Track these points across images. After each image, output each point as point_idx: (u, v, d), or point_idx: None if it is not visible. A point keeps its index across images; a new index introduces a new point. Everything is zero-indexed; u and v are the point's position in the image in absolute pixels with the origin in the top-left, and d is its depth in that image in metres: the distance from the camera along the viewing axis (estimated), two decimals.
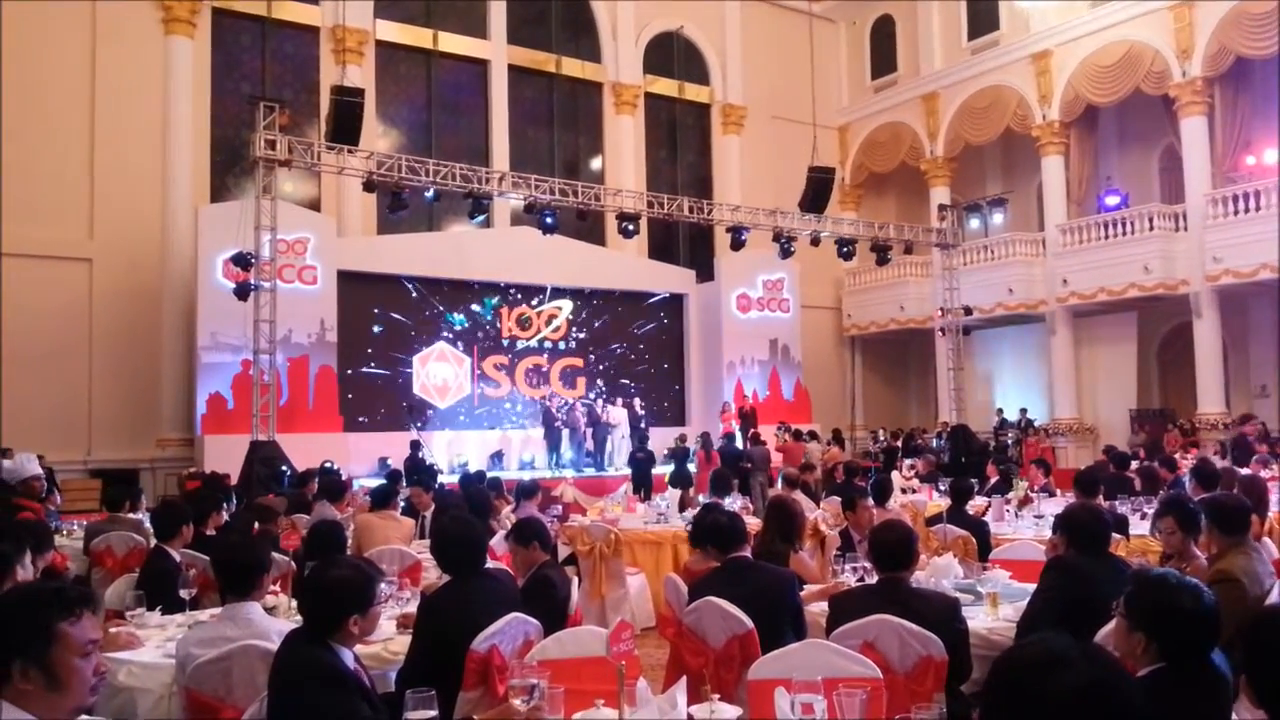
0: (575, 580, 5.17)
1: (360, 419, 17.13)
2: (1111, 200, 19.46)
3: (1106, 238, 18.66)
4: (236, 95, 17.88)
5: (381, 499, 7.67)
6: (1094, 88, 18.85)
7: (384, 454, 16.02)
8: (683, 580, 4.81)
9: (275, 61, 18.50)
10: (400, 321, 18.13)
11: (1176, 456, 13.99)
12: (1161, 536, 5.17)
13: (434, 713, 2.36)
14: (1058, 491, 10.19)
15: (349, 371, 17.18)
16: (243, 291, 13.68)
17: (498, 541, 6.36)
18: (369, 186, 14.75)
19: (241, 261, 13.62)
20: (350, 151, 14.56)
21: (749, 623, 3.91)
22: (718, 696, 2.84)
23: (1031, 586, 4.78)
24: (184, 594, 4.72)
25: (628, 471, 16.51)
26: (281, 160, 14.11)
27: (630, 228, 16.57)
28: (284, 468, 12.78)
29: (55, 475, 12.16)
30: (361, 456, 16.05)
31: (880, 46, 24.03)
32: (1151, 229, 17.96)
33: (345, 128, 14.02)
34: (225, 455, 13.66)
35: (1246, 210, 16.69)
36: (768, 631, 3.89)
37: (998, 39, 21.06)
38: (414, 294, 18.26)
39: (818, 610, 4.46)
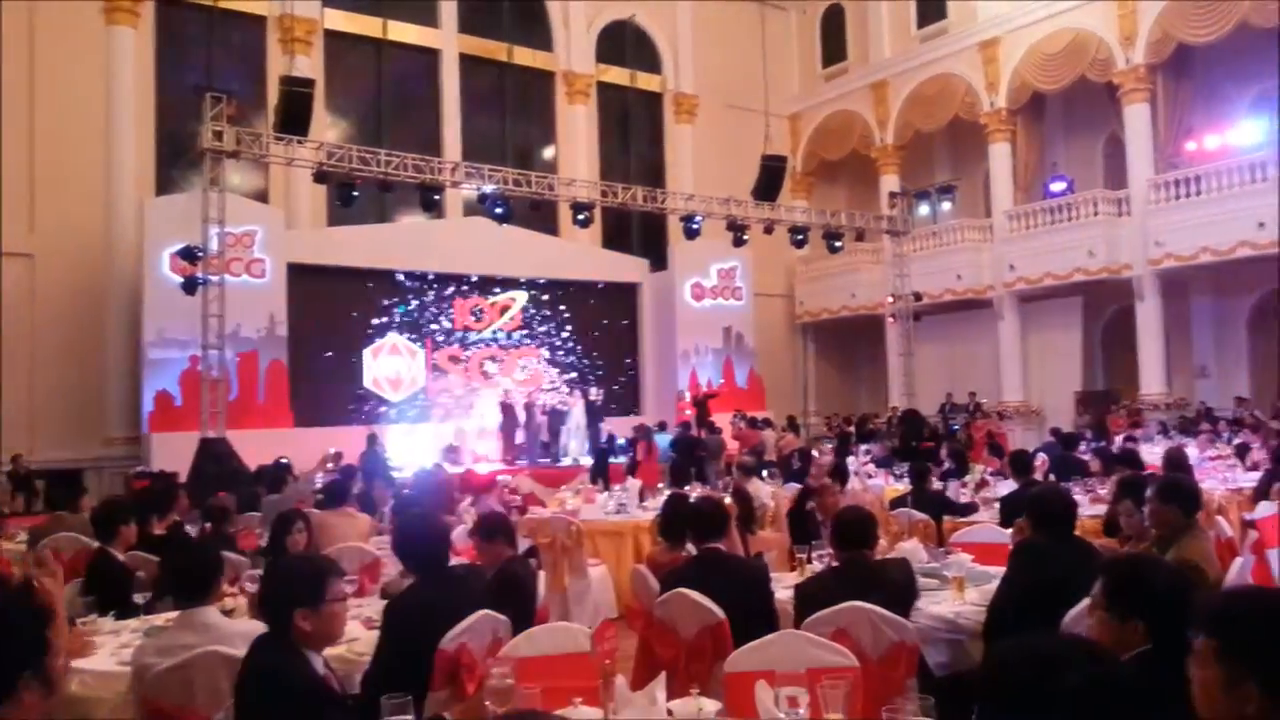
0: (540, 575, 5.12)
1: (312, 414, 16.88)
2: (1057, 186, 19.75)
3: (1052, 223, 18.96)
4: (182, 86, 17.45)
5: (336, 496, 7.55)
6: (1040, 76, 19.11)
7: (337, 449, 15.81)
8: (649, 571, 4.81)
9: (222, 52, 18.11)
10: (351, 314, 17.89)
11: (1120, 436, 14.31)
12: (1121, 518, 5.28)
13: (410, 718, 2.31)
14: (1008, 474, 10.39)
15: (300, 366, 16.92)
16: (190, 286, 13.43)
17: (458, 535, 6.29)
18: (319, 178, 14.53)
19: (189, 255, 13.36)
20: (300, 142, 14.36)
21: (720, 614, 3.92)
22: (697, 691, 2.82)
23: (994, 569, 4.87)
24: (138, 598, 4.59)
25: (585, 462, 16.48)
26: (229, 152, 13.86)
27: (584, 217, 16.51)
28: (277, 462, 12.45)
29: None
30: (314, 452, 15.80)
31: (830, 35, 24.14)
32: (1096, 214, 18.27)
33: (294, 118, 13.81)
34: (174, 453, 13.40)
35: (1188, 195, 17.04)
36: (740, 623, 3.89)
37: (946, 28, 21.26)
38: (365, 286, 18.02)
39: (785, 598, 4.48)
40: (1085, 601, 2.74)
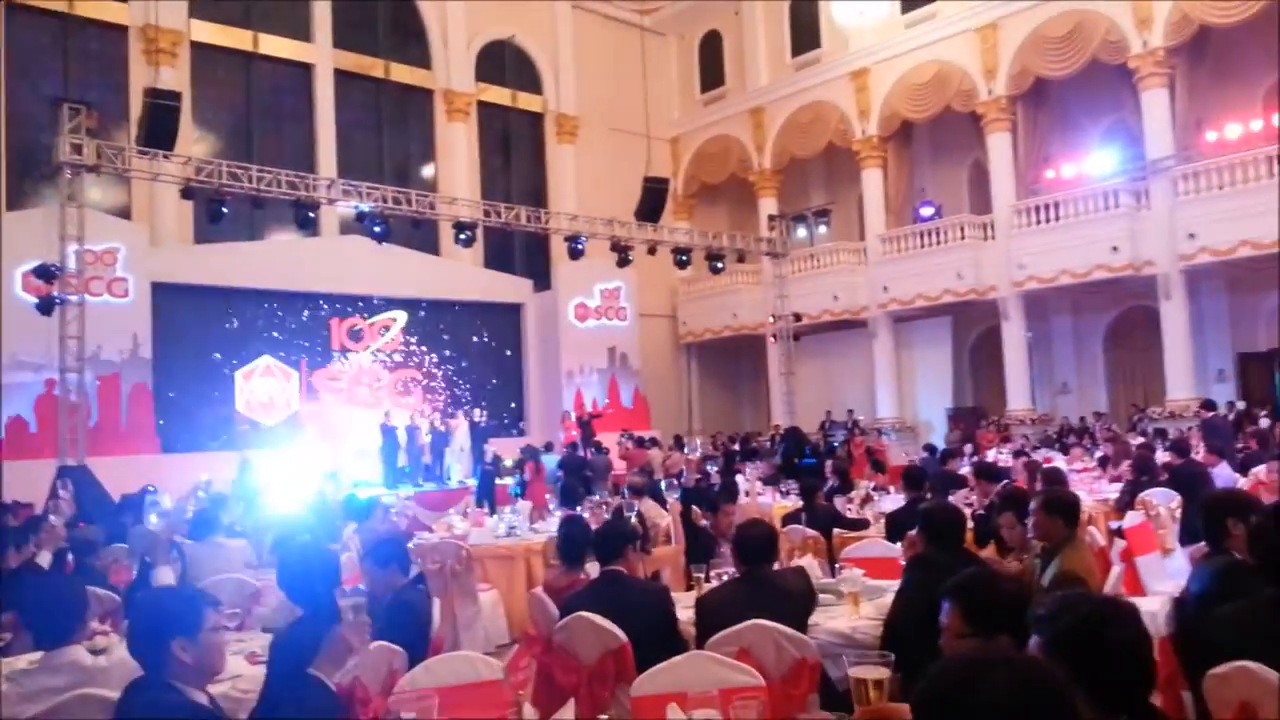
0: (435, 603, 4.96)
1: (180, 440, 16.14)
2: (926, 211, 20.52)
3: (922, 247, 19.67)
4: (35, 96, 16.52)
5: (205, 525, 7.20)
6: (909, 105, 19.84)
7: (206, 476, 15.13)
8: (546, 596, 4.72)
9: (79, 61, 17.20)
10: (221, 335, 17.22)
11: (991, 451, 14.87)
12: (1004, 530, 5.44)
13: None
14: (891, 489, 10.67)
15: (166, 389, 16.16)
16: (46, 306, 12.71)
17: (344, 562, 6.06)
18: (187, 193, 14.00)
19: (44, 274, 12.65)
20: (165, 157, 13.78)
21: (623, 637, 3.86)
22: (605, 718, 2.76)
23: (886, 583, 4.95)
24: None
25: (469, 484, 16.21)
26: (89, 165, 13.21)
27: (466, 237, 16.32)
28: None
29: None
30: (182, 479, 15.09)
31: (709, 61, 24.55)
32: (963, 238, 19.04)
33: (159, 132, 13.28)
34: (28, 482, 12.56)
35: (1047, 220, 17.91)
36: (642, 645, 3.84)
37: (819, 57, 21.87)
38: (235, 306, 17.38)
39: (685, 618, 4.46)
40: None
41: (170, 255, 16.66)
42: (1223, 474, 9.07)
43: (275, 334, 17.88)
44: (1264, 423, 13.88)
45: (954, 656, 1.62)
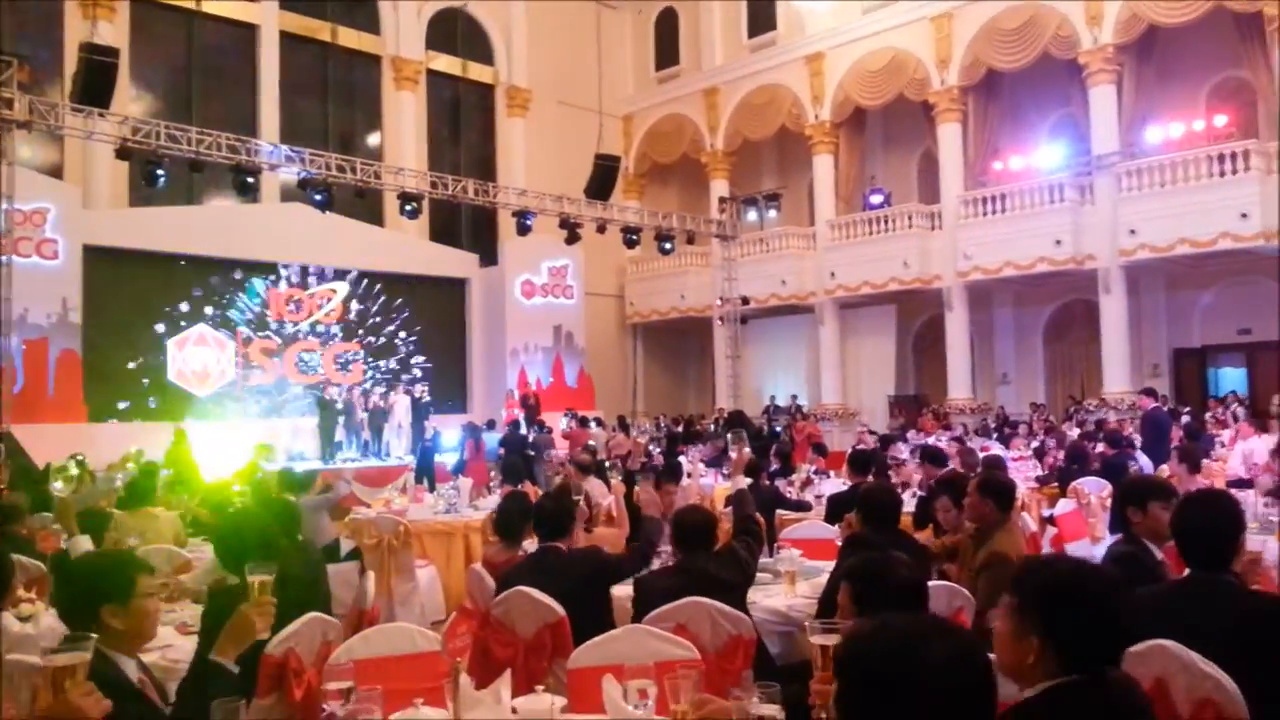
0: (370, 575, 4.88)
1: (110, 408, 15.71)
2: (876, 199, 20.62)
3: (871, 234, 19.78)
4: None
5: (137, 494, 7.05)
6: (862, 91, 19.91)
7: (136, 447, 14.76)
8: (485, 571, 4.66)
9: (12, 14, 16.51)
10: (155, 302, 16.78)
11: (932, 438, 15.08)
12: (939, 513, 5.52)
13: None
14: (831, 473, 10.79)
15: (96, 356, 15.71)
16: None
17: None
18: (122, 154, 13.59)
19: None
20: (100, 115, 13.35)
21: (560, 611, 3.85)
22: (542, 688, 2.72)
23: (822, 563, 4.99)
24: None
25: (408, 461, 16.03)
26: (20, 121, 12.77)
27: (412, 208, 16.07)
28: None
29: None
30: (112, 449, 14.71)
31: (664, 39, 24.40)
32: (910, 227, 19.19)
33: (95, 89, 12.87)
34: None
35: (993, 212, 18.12)
36: (580, 619, 3.81)
37: (775, 39, 21.83)
38: (170, 272, 16.95)
39: (623, 594, 4.44)
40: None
41: (103, 217, 16.18)
42: (1147, 464, 9.31)
43: (211, 302, 17.47)
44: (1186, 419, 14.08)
45: (891, 623, 1.61)
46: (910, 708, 1.47)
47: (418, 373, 19.73)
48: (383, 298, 19.55)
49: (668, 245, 19.70)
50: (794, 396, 20.68)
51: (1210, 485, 6.91)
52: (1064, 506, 7.55)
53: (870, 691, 1.53)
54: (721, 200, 21.58)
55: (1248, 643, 2.70)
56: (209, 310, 17.44)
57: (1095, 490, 7.85)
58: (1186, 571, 3.07)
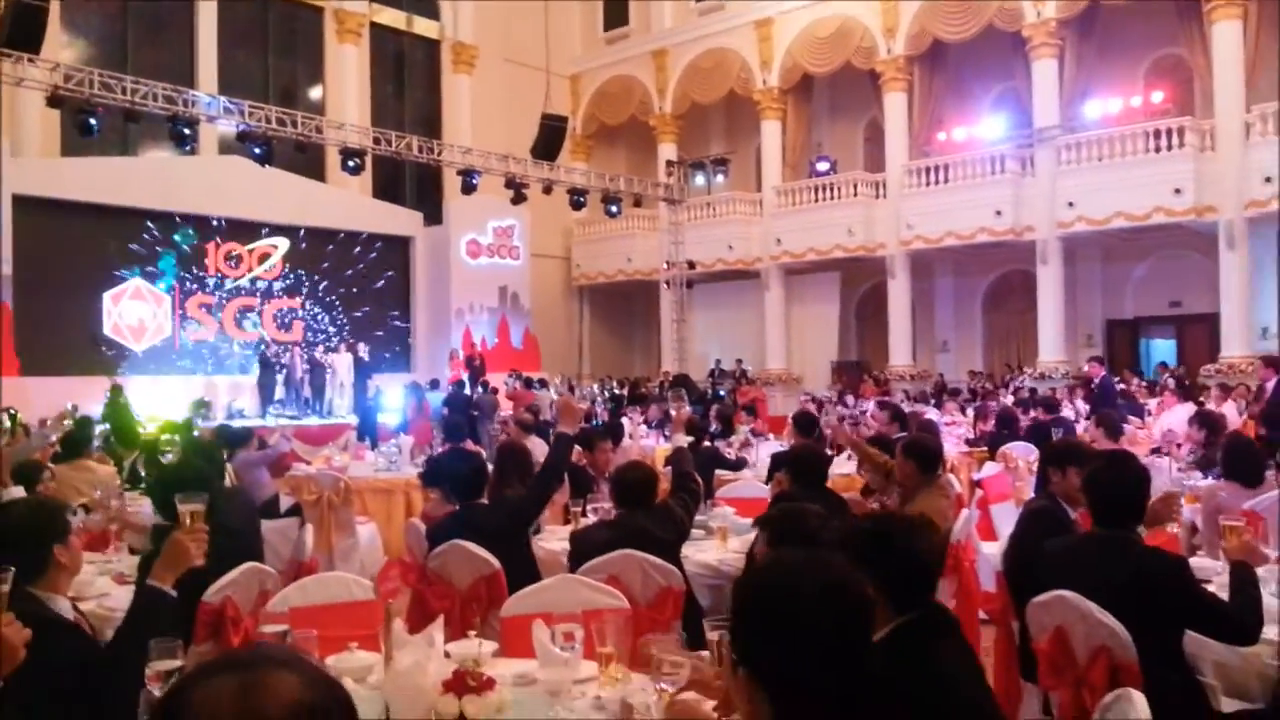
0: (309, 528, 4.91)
1: (43, 362, 15.38)
2: (822, 166, 20.79)
3: (816, 201, 19.95)
4: None
5: (73, 447, 7.01)
6: (810, 58, 19.97)
7: (73, 400, 14.48)
8: (423, 525, 4.73)
9: None
10: (89, 255, 16.38)
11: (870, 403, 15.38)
12: (866, 474, 5.72)
13: (180, 662, 2.16)
14: (770, 436, 10.98)
15: (28, 310, 15.34)
16: None
17: None
18: (54, 102, 13.21)
19: None
20: (30, 61, 12.93)
21: (496, 564, 3.93)
22: (475, 634, 2.80)
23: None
24: None
25: (350, 420, 15.95)
26: None
27: (354, 164, 15.83)
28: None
29: None
30: (45, 403, 14.42)
31: None
32: (855, 195, 19.40)
33: (24, 33, 12.49)
34: None
35: (937, 182, 18.38)
36: (506, 565, 3.94)
37: (724, 4, 21.75)
38: (104, 224, 16.55)
39: (560, 549, 4.54)
40: None
41: (33, 167, 15.72)
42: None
43: (147, 256, 17.12)
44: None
45: (783, 557, 1.73)
46: (787, 636, 1.55)
47: (361, 331, 19.53)
48: (324, 254, 19.28)
49: (614, 208, 19.67)
50: (739, 361, 20.87)
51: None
52: (990, 469, 7.79)
53: (753, 621, 1.62)
54: (669, 164, 21.59)
55: (1141, 594, 2.87)
56: (145, 264, 17.08)
57: (1023, 454, 8.10)
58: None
